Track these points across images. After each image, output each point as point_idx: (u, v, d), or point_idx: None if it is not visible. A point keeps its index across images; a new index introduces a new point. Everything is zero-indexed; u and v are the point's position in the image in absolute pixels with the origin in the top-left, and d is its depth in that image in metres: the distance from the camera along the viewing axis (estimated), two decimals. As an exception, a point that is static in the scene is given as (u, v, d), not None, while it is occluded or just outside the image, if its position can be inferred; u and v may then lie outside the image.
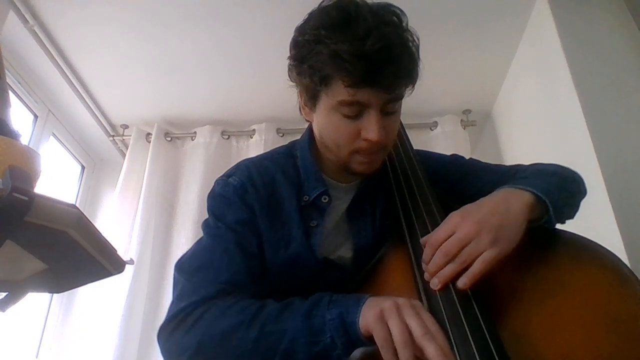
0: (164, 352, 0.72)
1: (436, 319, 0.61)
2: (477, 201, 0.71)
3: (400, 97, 0.76)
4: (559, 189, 0.75)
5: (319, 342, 0.62)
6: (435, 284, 0.66)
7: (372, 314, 0.59)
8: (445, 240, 0.66)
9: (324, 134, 0.81)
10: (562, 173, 0.83)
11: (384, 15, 0.72)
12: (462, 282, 0.64)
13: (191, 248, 0.83)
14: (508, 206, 0.68)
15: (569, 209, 0.81)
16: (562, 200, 0.75)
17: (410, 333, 0.56)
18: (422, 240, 0.73)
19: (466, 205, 0.70)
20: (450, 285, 0.66)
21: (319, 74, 0.72)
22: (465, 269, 0.64)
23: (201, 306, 0.70)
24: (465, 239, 0.65)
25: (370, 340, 0.59)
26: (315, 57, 0.72)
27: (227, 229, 0.80)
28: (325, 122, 0.78)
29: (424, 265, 0.69)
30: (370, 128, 0.73)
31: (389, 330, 0.57)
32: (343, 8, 0.72)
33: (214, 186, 0.89)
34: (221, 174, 0.90)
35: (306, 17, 0.78)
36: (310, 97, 0.78)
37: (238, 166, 0.90)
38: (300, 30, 0.77)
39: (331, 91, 0.73)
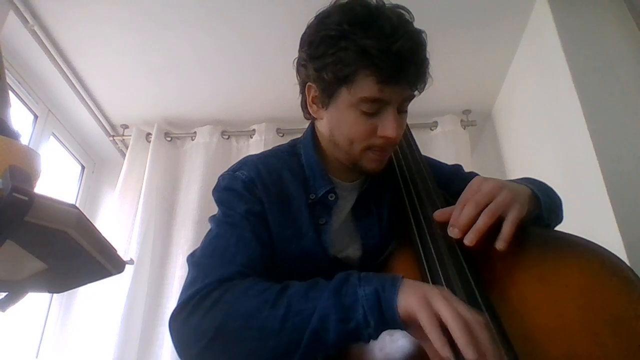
0: (178, 340, 0.66)
1: None
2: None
3: (414, 96, 0.78)
4: (548, 196, 0.82)
5: (351, 320, 0.59)
6: (470, 239, 0.68)
7: (416, 298, 0.56)
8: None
9: (337, 130, 0.80)
10: (549, 188, 0.89)
11: (402, 15, 0.74)
12: (499, 245, 0.67)
13: (203, 240, 0.79)
14: (515, 187, 0.75)
15: (554, 217, 0.85)
16: (549, 205, 0.81)
17: (462, 317, 0.54)
18: (438, 213, 0.76)
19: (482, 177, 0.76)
20: (469, 274, 0.68)
21: (344, 70, 0.72)
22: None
23: (219, 287, 0.66)
24: (491, 193, 0.70)
25: (403, 323, 0.58)
26: (339, 53, 0.72)
27: (240, 217, 0.78)
28: (341, 118, 0.78)
29: (450, 229, 0.72)
30: (389, 125, 0.74)
31: (437, 314, 0.55)
32: (365, 5, 0.73)
33: (218, 182, 0.86)
34: (224, 171, 0.88)
35: (321, 13, 0.77)
36: (327, 94, 0.77)
37: (244, 161, 0.88)
38: (319, 26, 0.76)
39: (354, 87, 0.73)
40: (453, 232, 0.71)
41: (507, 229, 0.68)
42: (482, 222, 0.68)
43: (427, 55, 0.76)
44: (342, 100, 0.76)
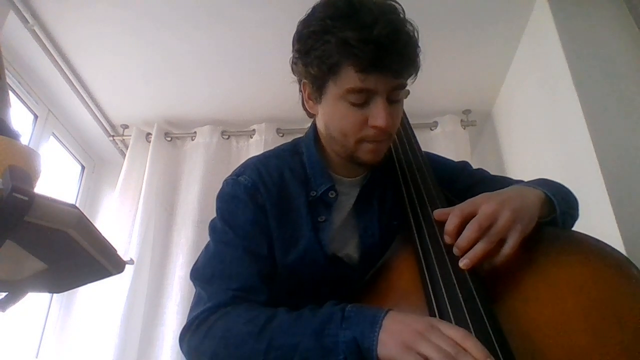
0: (185, 355, 0.75)
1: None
2: (496, 190, 0.75)
3: (404, 85, 0.77)
4: (563, 199, 0.80)
5: None
6: (466, 264, 0.68)
7: (395, 345, 0.58)
8: (469, 214, 0.69)
9: (330, 124, 0.81)
10: (565, 188, 0.87)
11: (386, 6, 0.74)
12: (488, 266, 0.68)
13: (201, 255, 0.84)
14: (524, 196, 0.74)
15: (570, 219, 0.84)
16: (565, 208, 0.79)
17: (447, 352, 0.55)
18: (438, 212, 0.76)
19: (486, 192, 0.73)
20: (467, 273, 0.68)
21: (327, 63, 0.73)
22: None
23: (214, 313, 0.73)
24: (493, 215, 0.68)
25: None
26: (323, 46, 0.73)
27: (235, 235, 0.81)
28: (332, 111, 0.79)
29: (446, 238, 0.72)
30: (378, 115, 0.74)
31: (422, 357, 0.55)
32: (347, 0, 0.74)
33: (222, 186, 0.88)
34: (228, 174, 0.90)
35: (309, 11, 0.79)
36: (317, 88, 0.79)
37: (246, 165, 0.90)
38: (305, 23, 0.78)
39: (339, 79, 0.74)
40: (455, 251, 0.71)
41: (503, 254, 0.68)
42: (481, 249, 0.68)
43: (415, 44, 0.75)
44: (330, 94, 0.77)
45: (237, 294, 0.75)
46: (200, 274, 0.80)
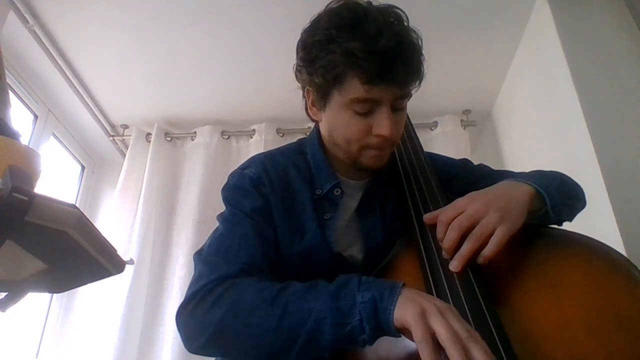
0: (184, 333, 0.70)
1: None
2: (482, 189, 0.75)
3: (409, 94, 0.78)
4: (557, 190, 0.79)
5: (347, 324, 0.60)
6: (454, 266, 0.68)
7: (412, 310, 0.57)
8: (455, 218, 0.70)
9: (334, 131, 0.82)
10: (563, 178, 0.87)
11: (391, 15, 0.75)
12: (480, 260, 0.67)
13: (209, 238, 0.82)
14: (511, 192, 0.74)
15: (568, 209, 0.83)
16: (560, 199, 0.78)
17: (456, 334, 0.55)
18: (428, 216, 0.76)
19: (472, 192, 0.74)
20: (470, 274, 0.68)
21: (332, 73, 0.74)
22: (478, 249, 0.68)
23: (222, 284, 0.70)
24: (475, 215, 0.69)
25: (398, 331, 0.58)
26: (328, 56, 0.73)
27: (244, 215, 0.81)
28: (336, 120, 0.80)
29: (441, 244, 0.72)
30: (383, 124, 0.75)
31: (431, 329, 0.55)
32: (352, 8, 0.74)
33: (228, 179, 0.89)
34: (228, 174, 0.91)
35: (313, 19, 0.79)
36: (321, 97, 0.79)
37: (252, 160, 0.91)
38: (310, 32, 0.78)
39: (344, 89, 0.75)
40: (444, 255, 0.72)
41: (489, 249, 0.67)
42: (466, 249, 0.68)
43: (419, 53, 0.76)
44: (335, 102, 0.78)
45: (244, 268, 0.72)
46: (205, 251, 0.78)
